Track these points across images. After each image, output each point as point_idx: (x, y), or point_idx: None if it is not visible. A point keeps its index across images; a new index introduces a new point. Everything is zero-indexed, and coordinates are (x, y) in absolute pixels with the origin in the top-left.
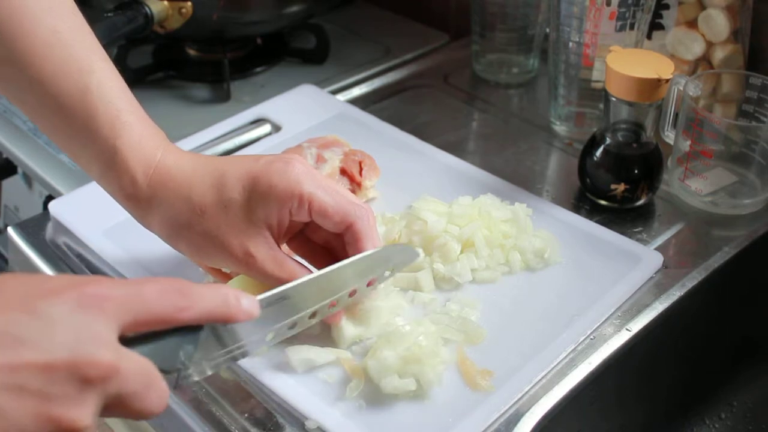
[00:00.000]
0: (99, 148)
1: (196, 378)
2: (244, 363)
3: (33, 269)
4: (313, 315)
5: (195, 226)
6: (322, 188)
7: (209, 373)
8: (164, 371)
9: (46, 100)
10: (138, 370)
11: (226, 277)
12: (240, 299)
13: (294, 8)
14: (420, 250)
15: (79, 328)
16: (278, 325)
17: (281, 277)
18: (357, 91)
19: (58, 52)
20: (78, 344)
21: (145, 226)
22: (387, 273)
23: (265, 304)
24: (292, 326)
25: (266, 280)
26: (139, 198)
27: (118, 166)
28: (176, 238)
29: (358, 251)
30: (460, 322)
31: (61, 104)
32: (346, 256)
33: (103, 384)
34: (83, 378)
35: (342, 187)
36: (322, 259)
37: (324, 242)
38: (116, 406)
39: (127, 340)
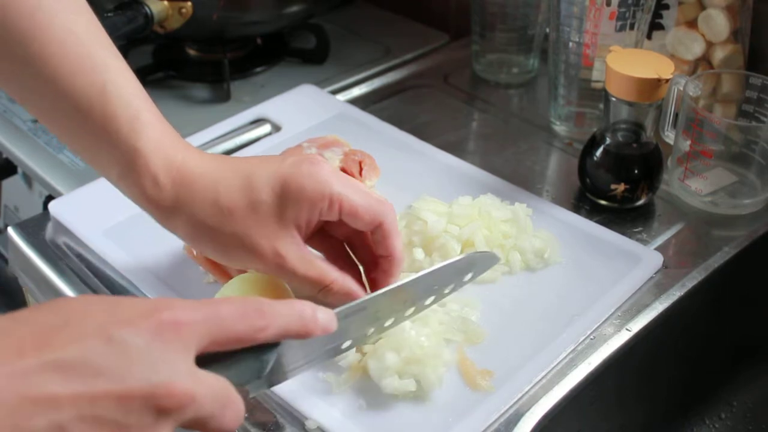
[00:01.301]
0: (118, 150)
1: (270, 387)
2: None
3: (33, 269)
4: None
5: (223, 228)
6: (351, 188)
7: (284, 381)
8: (241, 385)
9: (62, 101)
10: (214, 393)
11: (226, 276)
12: (316, 314)
13: (294, 8)
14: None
15: (156, 357)
16: (358, 334)
17: (311, 277)
18: (357, 91)
19: (74, 51)
20: (154, 374)
21: (167, 228)
22: (466, 278)
23: (343, 316)
24: (372, 333)
25: (296, 280)
26: (162, 200)
27: (139, 168)
28: (202, 240)
29: (387, 248)
30: (460, 321)
31: (77, 104)
32: (370, 252)
33: (180, 412)
34: (159, 408)
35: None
36: (341, 254)
37: (344, 237)
38: (193, 426)
39: (204, 359)
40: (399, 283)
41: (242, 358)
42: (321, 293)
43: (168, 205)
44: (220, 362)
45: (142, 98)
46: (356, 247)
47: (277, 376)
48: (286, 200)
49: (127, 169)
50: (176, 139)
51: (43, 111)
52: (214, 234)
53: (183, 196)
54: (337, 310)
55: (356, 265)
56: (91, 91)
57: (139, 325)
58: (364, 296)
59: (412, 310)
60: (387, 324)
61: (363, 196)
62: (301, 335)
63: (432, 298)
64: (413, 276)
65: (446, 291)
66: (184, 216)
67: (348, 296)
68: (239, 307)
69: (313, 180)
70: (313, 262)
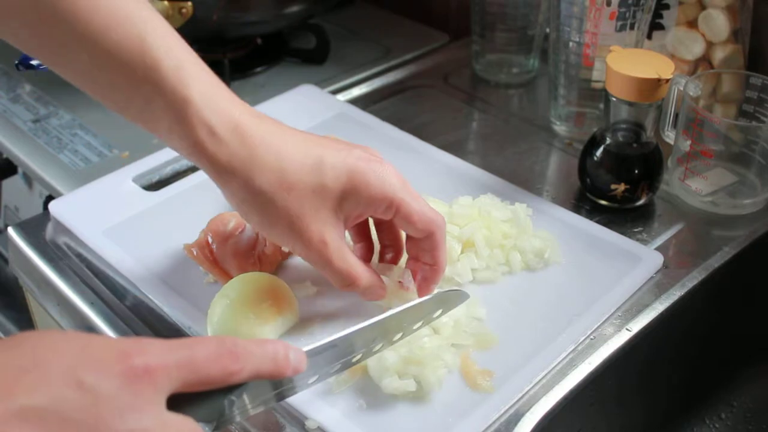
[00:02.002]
0: (166, 101)
1: (237, 419)
2: None
3: (33, 269)
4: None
5: (277, 201)
6: (410, 194)
7: (252, 414)
8: (209, 422)
9: (100, 57)
10: None
11: (226, 277)
12: (288, 356)
13: (294, 8)
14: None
15: (125, 405)
16: (324, 369)
17: (343, 271)
18: (357, 91)
19: (104, 4)
20: (122, 424)
21: (219, 186)
22: (435, 315)
23: (314, 354)
24: (338, 369)
25: (327, 270)
26: (220, 154)
27: (190, 117)
28: (251, 207)
29: (433, 258)
30: (471, 326)
31: (116, 58)
32: (392, 237)
33: None
34: None
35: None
36: (363, 230)
37: (376, 221)
38: None
39: (173, 398)
40: (368, 322)
41: (212, 395)
42: (346, 288)
43: (225, 162)
44: (190, 401)
45: (184, 49)
46: (381, 229)
47: (245, 410)
48: (349, 193)
49: (178, 120)
50: (227, 93)
51: (80, 73)
52: (267, 205)
53: (243, 156)
54: (310, 347)
55: (371, 240)
56: (129, 43)
57: (110, 370)
58: (336, 335)
59: (380, 345)
60: (354, 359)
61: (421, 205)
62: (273, 376)
63: (400, 334)
64: (382, 316)
65: (415, 327)
66: (240, 178)
67: (370, 295)
68: (213, 351)
69: (379, 180)
70: (347, 257)
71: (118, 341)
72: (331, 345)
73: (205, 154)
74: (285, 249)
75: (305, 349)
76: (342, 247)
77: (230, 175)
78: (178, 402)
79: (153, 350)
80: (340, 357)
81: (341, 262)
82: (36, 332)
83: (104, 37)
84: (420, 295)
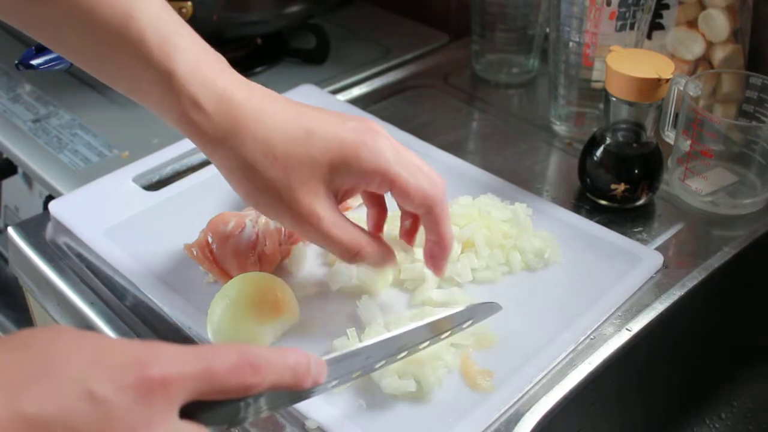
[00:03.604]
0: (152, 75)
1: (249, 420)
2: None
3: (33, 269)
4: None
5: (264, 171)
6: (407, 168)
7: (264, 416)
8: (221, 426)
9: (88, 34)
10: None
11: (227, 276)
12: (309, 367)
13: (294, 8)
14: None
15: (137, 419)
16: (345, 377)
17: (344, 241)
18: (357, 91)
19: None
20: None
21: (210, 158)
22: (465, 325)
23: (336, 361)
24: (359, 375)
25: (328, 242)
26: (205, 126)
27: (176, 90)
28: (238, 178)
29: (437, 233)
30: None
31: (104, 35)
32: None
33: None
34: None
35: (422, 161)
36: (377, 201)
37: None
38: None
39: (187, 406)
40: (397, 332)
41: (226, 406)
42: (353, 259)
43: (210, 133)
44: (204, 406)
45: (172, 23)
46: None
47: (258, 414)
48: (339, 166)
49: (164, 92)
50: (216, 64)
51: (71, 49)
52: (255, 175)
53: (228, 127)
54: (332, 356)
55: (384, 205)
56: (117, 19)
57: (123, 380)
58: (360, 344)
59: (404, 353)
60: (377, 366)
61: (416, 178)
62: (292, 388)
63: (427, 343)
64: (413, 325)
65: (443, 337)
66: (227, 148)
67: (379, 263)
68: (233, 361)
69: (371, 154)
70: (348, 228)
71: (133, 347)
72: (355, 353)
73: (191, 125)
74: (274, 222)
75: (326, 358)
76: (337, 218)
77: (216, 145)
78: (191, 406)
79: (170, 359)
80: (363, 364)
81: (341, 234)
82: (48, 331)
83: (92, 14)
84: (434, 271)
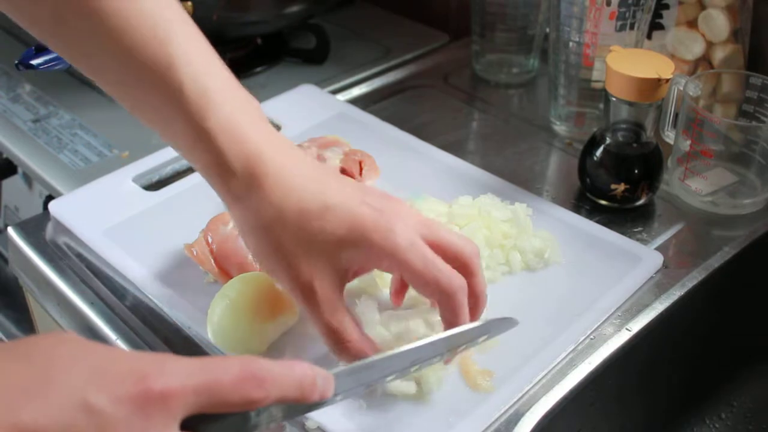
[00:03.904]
0: (185, 126)
1: (262, 429)
2: None
3: (33, 269)
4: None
5: (274, 237)
6: (419, 255)
7: (275, 425)
8: None
9: (126, 73)
10: None
11: (227, 276)
12: (316, 381)
13: (294, 8)
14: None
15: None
16: (356, 389)
17: (332, 326)
18: (357, 91)
19: (137, 21)
20: None
21: (227, 209)
22: (480, 340)
23: (345, 374)
24: (367, 389)
25: (315, 321)
26: (228, 182)
27: (206, 142)
28: (249, 236)
29: (450, 322)
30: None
31: (142, 78)
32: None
33: None
34: None
35: (451, 239)
36: None
37: None
38: None
39: (193, 418)
40: (412, 346)
41: (231, 419)
42: (335, 348)
43: (234, 191)
44: (207, 418)
45: (211, 73)
46: None
47: (259, 428)
48: (347, 245)
49: (195, 143)
50: (249, 120)
51: (110, 84)
52: (263, 238)
53: (250, 186)
54: (340, 369)
55: None
56: (156, 66)
57: (122, 392)
58: (375, 356)
59: (416, 367)
60: (388, 380)
61: (431, 267)
62: (298, 401)
63: (438, 357)
64: (427, 340)
65: (458, 351)
66: (245, 208)
67: (359, 358)
68: (238, 375)
69: (382, 236)
70: (339, 313)
71: (135, 359)
72: (367, 366)
73: (216, 179)
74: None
75: (335, 371)
76: (333, 299)
77: (236, 201)
78: (196, 419)
79: (173, 372)
80: (374, 377)
81: (331, 317)
82: (51, 339)
83: (132, 58)
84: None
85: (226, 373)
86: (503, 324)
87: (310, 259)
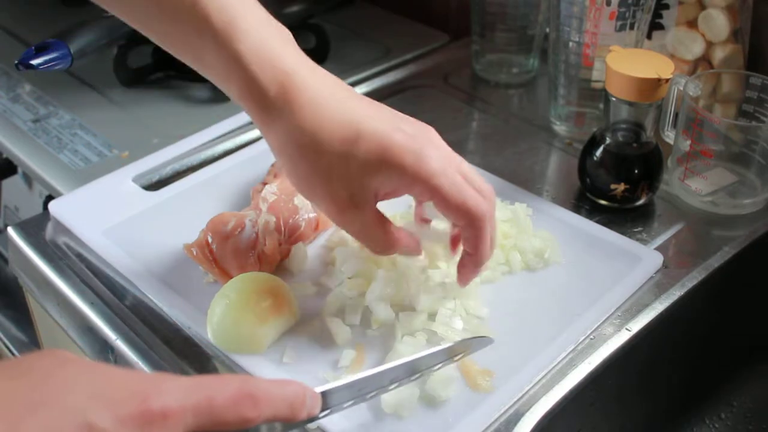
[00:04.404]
0: (217, 56)
1: None
2: (244, 362)
3: (33, 269)
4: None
5: (307, 157)
6: (452, 180)
7: None
8: None
9: (155, 10)
10: None
11: (226, 276)
12: (305, 400)
13: (294, 8)
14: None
15: None
16: (335, 405)
17: (376, 236)
18: (357, 91)
19: None
20: None
21: (262, 132)
22: (457, 358)
23: (330, 394)
24: (348, 405)
25: (359, 234)
26: (261, 104)
27: (240, 72)
28: (284, 157)
29: (473, 247)
30: (474, 324)
31: (169, 12)
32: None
33: None
34: None
35: (475, 174)
36: None
37: None
38: None
39: None
40: (391, 365)
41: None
42: (380, 246)
43: (267, 116)
44: None
45: (240, 4)
46: None
47: None
48: (379, 168)
49: (228, 73)
50: (283, 43)
51: (139, 21)
52: (298, 158)
53: (285, 110)
54: (327, 388)
55: None
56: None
57: (123, 412)
58: (354, 376)
59: (396, 384)
60: (368, 396)
61: (460, 192)
62: (288, 420)
63: (419, 374)
64: (405, 359)
65: (435, 368)
66: (279, 129)
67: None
68: (233, 393)
69: (415, 161)
70: (381, 224)
71: (135, 379)
72: (349, 386)
73: (250, 103)
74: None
75: (321, 389)
76: (373, 215)
77: (270, 124)
78: None
79: (172, 392)
80: (355, 395)
81: (374, 228)
82: (51, 358)
83: None
84: (458, 281)
85: (223, 392)
86: (478, 343)
87: (343, 181)
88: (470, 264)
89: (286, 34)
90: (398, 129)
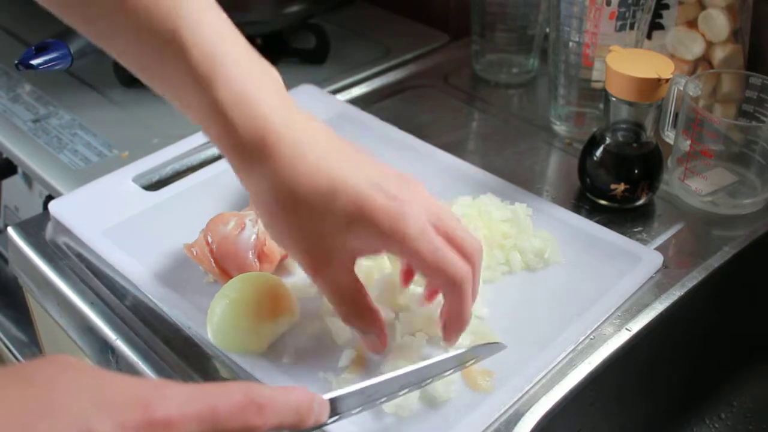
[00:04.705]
0: (194, 98)
1: None
2: (244, 362)
3: (33, 269)
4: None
5: (285, 209)
6: (428, 244)
7: None
8: None
9: (135, 47)
10: None
11: (226, 276)
12: (312, 407)
13: (294, 8)
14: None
15: None
16: (345, 411)
17: (340, 292)
18: (357, 91)
19: None
20: None
21: (238, 178)
22: (468, 364)
23: (347, 397)
24: (357, 411)
25: (323, 289)
26: (238, 152)
27: (217, 117)
28: (261, 206)
29: (453, 312)
30: (474, 324)
31: (150, 51)
32: None
33: None
34: None
35: (461, 230)
36: None
37: None
38: None
39: None
40: (402, 371)
41: None
42: (347, 314)
43: (244, 165)
44: None
45: (223, 41)
46: None
47: None
48: (355, 225)
49: (205, 116)
50: (263, 91)
51: (120, 52)
52: (275, 208)
53: (261, 158)
54: (336, 394)
55: None
56: (163, 38)
57: (126, 420)
58: (365, 383)
59: (406, 390)
60: (378, 402)
61: (439, 258)
62: (294, 428)
63: (429, 380)
64: (418, 365)
65: (446, 374)
66: (255, 180)
67: (369, 345)
68: (238, 401)
69: (393, 224)
70: (351, 283)
71: (138, 386)
72: (359, 392)
73: (227, 152)
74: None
75: (330, 396)
76: (344, 272)
77: (248, 172)
78: None
79: (175, 399)
80: (365, 401)
81: (348, 291)
82: (51, 364)
83: (139, 30)
84: (444, 341)
85: (227, 399)
86: (491, 349)
87: (318, 238)
88: (450, 324)
89: (271, 75)
90: (377, 187)
